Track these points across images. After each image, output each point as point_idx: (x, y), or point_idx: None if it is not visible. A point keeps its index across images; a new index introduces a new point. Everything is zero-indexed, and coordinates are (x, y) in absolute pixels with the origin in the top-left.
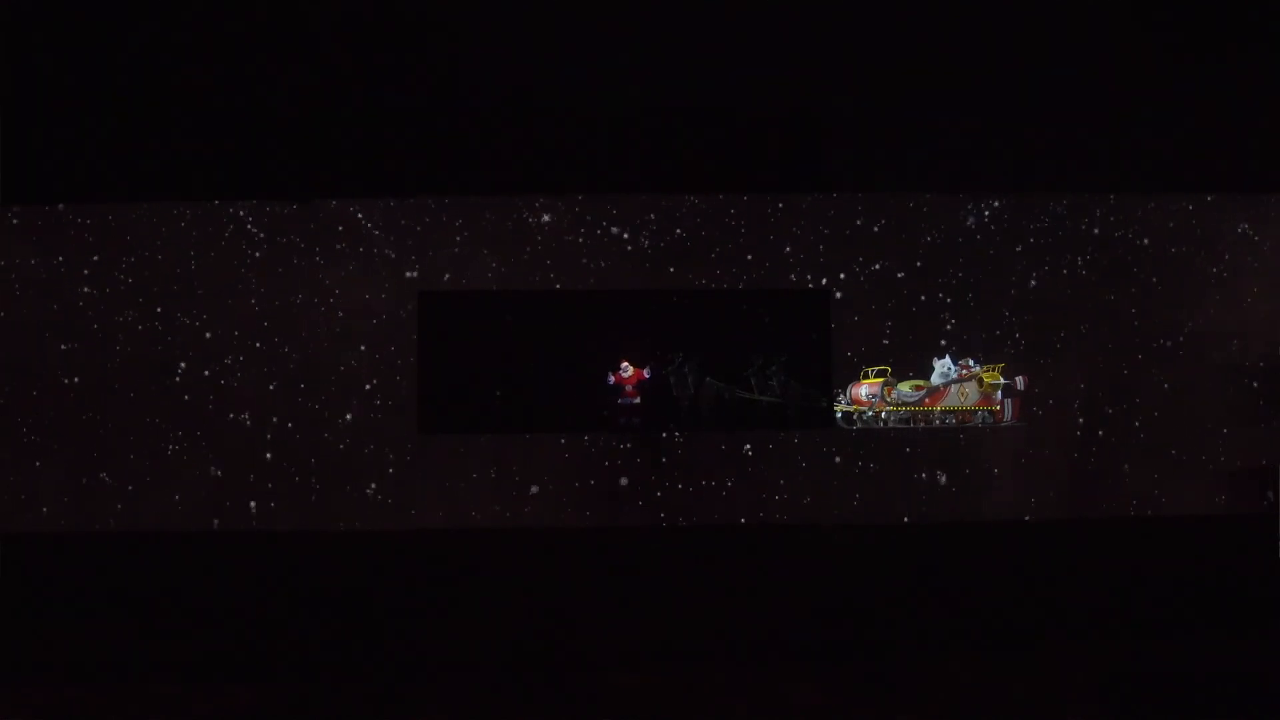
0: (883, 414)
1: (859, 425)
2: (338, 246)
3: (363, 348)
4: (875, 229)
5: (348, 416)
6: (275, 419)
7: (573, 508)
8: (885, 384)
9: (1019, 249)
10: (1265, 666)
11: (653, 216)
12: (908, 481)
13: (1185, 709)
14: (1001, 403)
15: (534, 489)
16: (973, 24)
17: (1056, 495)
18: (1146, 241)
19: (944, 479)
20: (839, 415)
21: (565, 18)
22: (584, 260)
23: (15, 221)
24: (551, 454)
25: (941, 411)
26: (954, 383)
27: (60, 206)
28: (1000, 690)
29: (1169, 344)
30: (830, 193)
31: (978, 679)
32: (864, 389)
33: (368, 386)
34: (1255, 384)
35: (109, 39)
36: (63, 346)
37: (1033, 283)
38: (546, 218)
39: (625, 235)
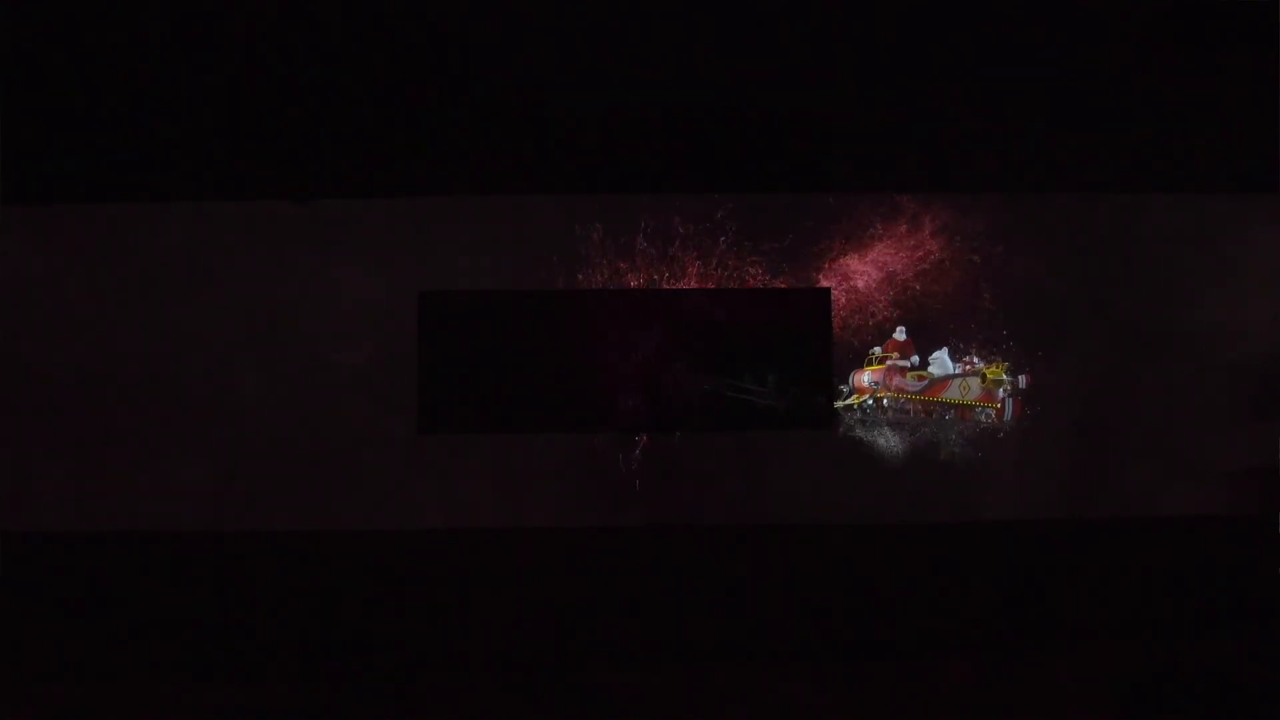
0: (885, 401)
1: (858, 414)
2: (338, 246)
3: (363, 348)
4: (875, 229)
5: (348, 416)
6: (275, 419)
7: (573, 508)
8: (888, 371)
9: (1019, 249)
10: (1265, 666)
11: (653, 216)
12: (907, 481)
13: (1186, 709)
14: (1003, 400)
15: (534, 490)
16: (973, 23)
17: (1056, 495)
18: (1146, 241)
19: (944, 479)
20: (840, 407)
21: (566, 18)
22: (584, 260)
23: (15, 221)
24: (551, 454)
25: (942, 403)
26: (957, 376)
27: (60, 206)
28: (1000, 690)
29: (1169, 344)
30: (830, 193)
31: (978, 679)
32: (866, 375)
33: (368, 386)
34: (1255, 384)
35: (109, 39)
36: (63, 346)
37: (1032, 282)
38: (547, 218)
39: (625, 235)
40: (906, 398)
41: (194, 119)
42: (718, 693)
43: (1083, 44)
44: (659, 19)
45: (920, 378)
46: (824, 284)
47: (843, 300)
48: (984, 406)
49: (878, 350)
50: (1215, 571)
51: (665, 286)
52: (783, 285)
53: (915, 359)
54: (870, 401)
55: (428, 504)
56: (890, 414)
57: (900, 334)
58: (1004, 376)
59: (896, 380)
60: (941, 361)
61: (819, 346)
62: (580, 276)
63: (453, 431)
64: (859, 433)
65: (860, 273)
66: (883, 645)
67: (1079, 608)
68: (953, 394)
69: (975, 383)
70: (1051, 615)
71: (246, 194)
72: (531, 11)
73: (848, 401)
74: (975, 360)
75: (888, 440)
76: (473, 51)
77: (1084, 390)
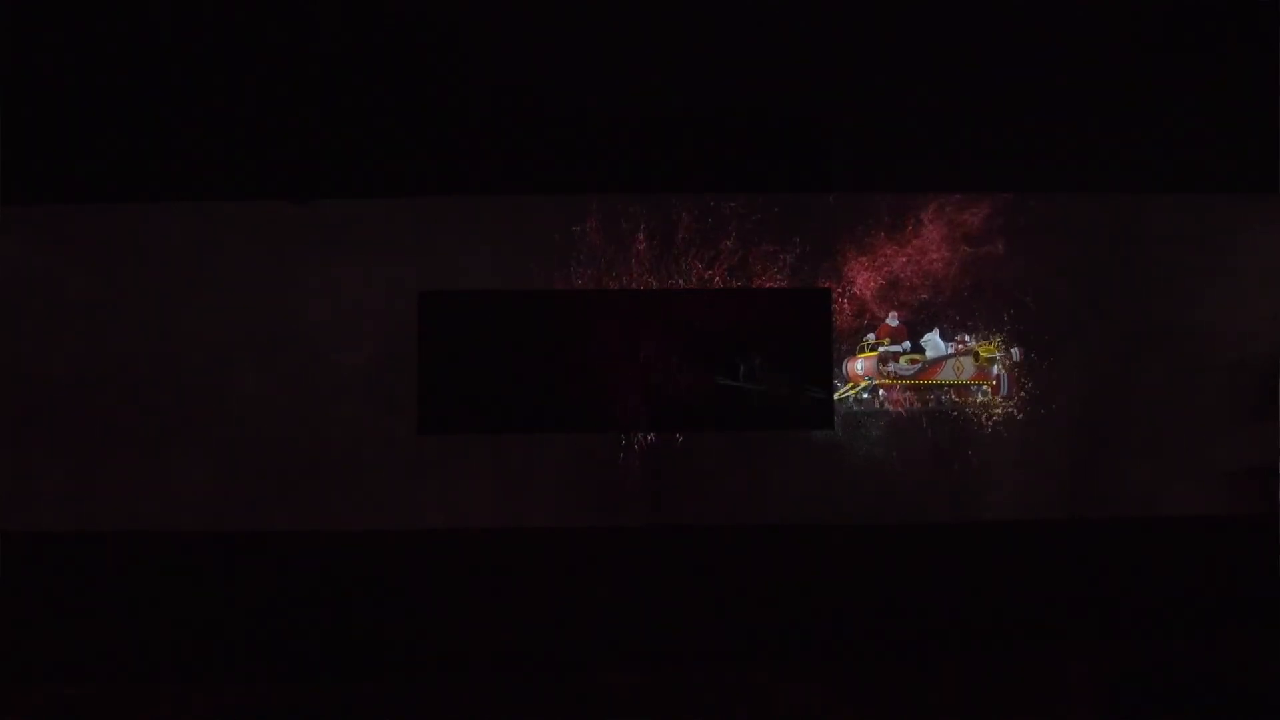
0: (880, 392)
1: (852, 404)
2: (338, 246)
3: (363, 348)
4: (875, 229)
5: (348, 416)
6: (275, 419)
7: (573, 508)
8: (880, 358)
9: (1019, 249)
10: (1265, 666)
11: (653, 216)
12: (907, 481)
13: (1185, 709)
14: (998, 377)
15: (534, 490)
16: (973, 23)
17: (1056, 495)
18: (1146, 241)
19: (944, 479)
20: (838, 398)
21: (566, 18)
22: (585, 260)
23: (15, 221)
24: (551, 454)
25: (938, 386)
26: (950, 357)
27: (60, 206)
28: (1000, 690)
29: (1169, 344)
30: (831, 193)
31: (978, 679)
32: (859, 363)
33: (368, 386)
34: (1255, 384)
35: (109, 39)
36: (63, 346)
37: (1032, 282)
38: (547, 218)
39: (626, 235)
40: (901, 383)
41: (194, 119)
42: (718, 693)
43: (1083, 44)
44: (659, 19)
45: (914, 361)
46: (824, 284)
47: (841, 299)
48: (979, 384)
49: (871, 337)
50: (1215, 571)
51: (665, 286)
52: (783, 285)
53: (908, 344)
54: (865, 393)
55: (428, 504)
56: (885, 406)
57: (893, 319)
58: (997, 354)
59: (890, 366)
60: (934, 343)
61: (819, 346)
62: (580, 277)
63: (453, 431)
64: (855, 434)
65: (859, 273)
66: (883, 645)
67: (1079, 608)
68: (947, 375)
69: (969, 362)
70: (1051, 615)
71: (246, 194)
72: (532, 12)
73: (842, 392)
74: (967, 339)
75: (886, 440)
76: (472, 51)
77: (1084, 390)
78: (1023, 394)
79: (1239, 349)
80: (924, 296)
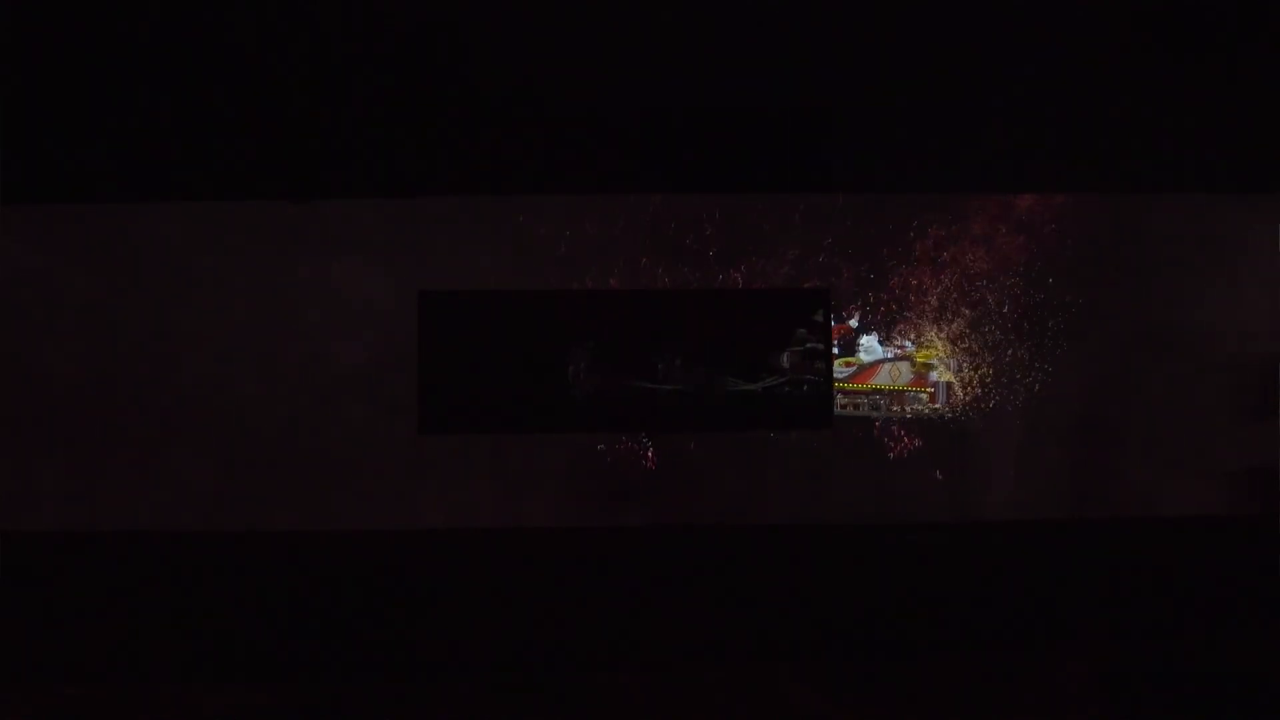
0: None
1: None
2: (338, 246)
3: (362, 348)
4: (875, 229)
5: (348, 416)
6: (275, 419)
7: (573, 508)
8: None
9: (1019, 249)
10: (1265, 666)
11: (653, 216)
12: (907, 481)
13: (1185, 709)
14: (935, 385)
15: (534, 490)
16: (972, 23)
17: (1056, 495)
18: (1146, 241)
19: (944, 479)
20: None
21: (566, 18)
22: (584, 260)
23: (15, 221)
24: (551, 454)
25: (872, 390)
26: (886, 361)
27: (60, 206)
28: (1000, 690)
29: (1169, 344)
30: (830, 193)
31: (978, 679)
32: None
33: (368, 386)
34: (1255, 384)
35: (109, 39)
36: (62, 346)
37: (1033, 282)
38: (546, 217)
39: (626, 235)
40: (835, 386)
41: (194, 118)
42: (718, 693)
43: (1083, 44)
44: (659, 19)
45: (848, 364)
46: (822, 284)
47: (839, 299)
48: (916, 391)
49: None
50: (1215, 571)
51: (665, 286)
52: (782, 285)
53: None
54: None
55: (428, 504)
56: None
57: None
58: (935, 360)
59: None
60: (870, 347)
61: (820, 346)
62: (580, 277)
63: (453, 431)
64: (854, 433)
65: (859, 272)
66: (883, 645)
67: (1079, 608)
68: (883, 379)
69: (905, 367)
70: (1051, 615)
71: (246, 194)
72: (531, 11)
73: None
74: (906, 344)
75: (884, 441)
76: (472, 51)
77: (1084, 390)
78: (963, 403)
79: (1239, 349)
80: (923, 297)
